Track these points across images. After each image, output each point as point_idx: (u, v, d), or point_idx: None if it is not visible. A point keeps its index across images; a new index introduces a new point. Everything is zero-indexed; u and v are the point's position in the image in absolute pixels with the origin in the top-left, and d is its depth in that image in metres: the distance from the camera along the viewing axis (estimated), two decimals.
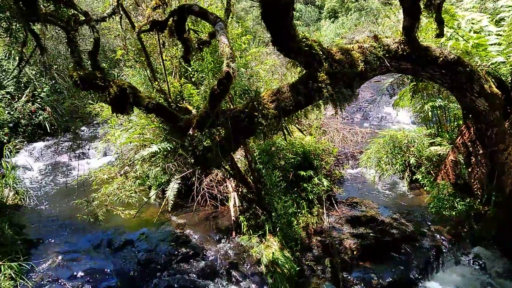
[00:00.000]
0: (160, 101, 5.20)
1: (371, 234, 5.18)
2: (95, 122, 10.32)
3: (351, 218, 5.59)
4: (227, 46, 3.23)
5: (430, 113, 6.42)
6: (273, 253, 4.60)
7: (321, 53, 3.60)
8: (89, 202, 4.99)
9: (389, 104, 9.84)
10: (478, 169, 5.04)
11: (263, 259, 4.61)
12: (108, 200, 5.02)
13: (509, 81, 4.92)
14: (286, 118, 3.71)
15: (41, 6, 3.65)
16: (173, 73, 7.26)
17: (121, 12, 5.58)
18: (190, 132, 3.29)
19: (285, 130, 3.85)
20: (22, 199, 6.26)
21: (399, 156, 6.61)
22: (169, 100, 5.85)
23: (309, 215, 5.46)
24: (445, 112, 6.53)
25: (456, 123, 6.49)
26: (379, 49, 3.86)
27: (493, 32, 5.30)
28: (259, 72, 6.94)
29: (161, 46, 5.29)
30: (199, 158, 3.33)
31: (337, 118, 9.50)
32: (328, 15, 26.20)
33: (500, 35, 5.20)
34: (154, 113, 3.80)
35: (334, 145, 7.28)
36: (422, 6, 3.80)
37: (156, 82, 5.84)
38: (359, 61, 3.73)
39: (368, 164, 6.77)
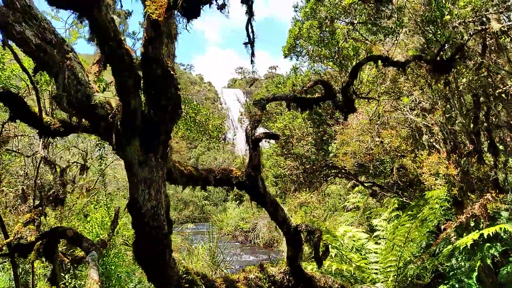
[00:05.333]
0: None
1: None
2: None
3: None
4: (96, 282, 2.84)
5: None
6: None
7: (204, 287, 3.36)
8: None
9: None
10: None
11: None
12: None
13: None
14: None
15: None
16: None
17: None
18: None
19: None
20: None
21: None
22: None
23: None
24: None
25: None
26: (264, 281, 3.75)
27: (372, 250, 5.71)
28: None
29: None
30: None
31: None
32: (234, 197, 27.64)
33: (378, 253, 5.59)
34: None
35: None
36: (303, 238, 3.98)
37: None
38: None
39: None
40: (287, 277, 3.88)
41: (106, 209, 6.24)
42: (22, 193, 7.26)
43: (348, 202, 15.86)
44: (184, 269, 3.36)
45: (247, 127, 3.75)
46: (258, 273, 3.82)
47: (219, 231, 22.60)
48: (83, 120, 2.60)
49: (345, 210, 16.42)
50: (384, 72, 5.52)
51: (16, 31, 2.10)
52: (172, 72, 2.28)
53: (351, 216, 13.93)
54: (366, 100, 5.69)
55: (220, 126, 6.91)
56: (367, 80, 5.01)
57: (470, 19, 3.81)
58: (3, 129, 5.07)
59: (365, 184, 10.11)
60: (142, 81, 2.38)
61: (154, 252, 2.78)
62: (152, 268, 2.98)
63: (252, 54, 3.18)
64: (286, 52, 9.97)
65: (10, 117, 2.51)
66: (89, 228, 6.94)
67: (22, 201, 7.07)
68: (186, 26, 2.02)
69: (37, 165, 5.49)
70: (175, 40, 2.35)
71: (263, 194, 3.70)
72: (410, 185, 7.72)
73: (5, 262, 7.26)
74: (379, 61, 3.45)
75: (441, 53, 3.67)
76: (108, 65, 2.15)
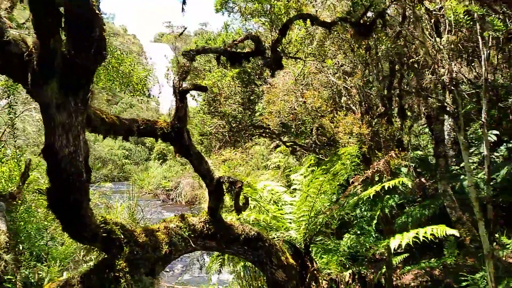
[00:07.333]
0: None
1: None
2: None
3: None
4: (4, 233, 2.74)
5: (242, 272, 6.64)
6: None
7: (122, 237, 3.38)
8: None
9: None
10: None
11: None
12: None
13: (303, 247, 5.55)
14: None
15: None
16: None
17: None
18: None
19: None
20: None
21: None
22: None
23: None
24: (255, 270, 6.84)
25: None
26: (185, 229, 3.88)
27: (287, 201, 6.13)
28: None
29: None
30: None
31: None
32: (157, 156, 27.15)
33: (293, 204, 6.03)
34: None
35: None
36: (225, 189, 4.14)
37: None
38: (164, 243, 3.63)
39: None
40: (207, 226, 4.05)
41: (16, 161, 5.77)
42: None
43: (270, 161, 16.56)
44: (102, 219, 3.33)
45: (174, 78, 3.70)
46: (178, 222, 3.92)
47: (139, 189, 22.28)
48: None
49: (266, 169, 17.16)
50: (311, 34, 5.73)
51: None
52: (97, 11, 2.17)
53: (272, 175, 14.65)
54: (293, 60, 5.88)
55: (145, 79, 6.64)
56: (296, 40, 5.16)
57: None
58: None
59: (287, 144, 10.61)
60: (64, 19, 2.23)
61: (71, 200, 2.72)
62: (68, 217, 2.91)
63: (183, 2, 3.09)
64: (218, 7, 9.73)
65: None
66: None
67: None
68: None
69: None
70: None
71: (188, 146, 3.75)
72: (328, 144, 8.29)
73: None
74: (308, 20, 3.58)
75: (366, 18, 3.94)
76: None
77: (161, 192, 21.70)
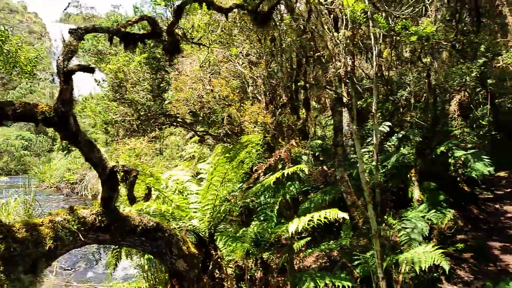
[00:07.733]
0: None
1: None
2: None
3: None
4: None
5: (146, 266, 6.43)
6: None
7: None
8: None
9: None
10: None
11: None
12: None
13: (207, 236, 5.53)
14: None
15: None
16: None
17: None
18: None
19: None
20: None
21: None
22: None
23: None
24: (161, 264, 6.66)
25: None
26: (73, 222, 3.59)
27: (193, 191, 6.05)
28: None
29: None
30: None
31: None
32: (61, 147, 24.99)
33: (199, 193, 5.97)
34: None
35: None
36: (119, 179, 3.91)
37: None
38: (48, 238, 3.32)
39: None
40: (100, 217, 3.79)
41: None
42: None
43: (185, 151, 16.30)
44: None
45: (58, 57, 3.35)
46: (66, 215, 3.61)
47: (40, 183, 20.36)
48: None
49: (181, 159, 16.86)
50: (216, 20, 5.66)
51: None
52: None
53: (186, 165, 14.44)
54: (198, 47, 5.76)
55: (36, 59, 5.95)
56: (199, 25, 5.05)
57: None
58: None
59: (199, 134, 10.48)
60: None
61: None
62: None
63: None
64: None
65: None
66: None
67: None
68: None
69: None
70: None
71: (75, 133, 3.44)
72: (236, 133, 8.37)
73: None
74: (204, 4, 3.50)
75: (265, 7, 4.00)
76: None
77: (65, 186, 20.06)
